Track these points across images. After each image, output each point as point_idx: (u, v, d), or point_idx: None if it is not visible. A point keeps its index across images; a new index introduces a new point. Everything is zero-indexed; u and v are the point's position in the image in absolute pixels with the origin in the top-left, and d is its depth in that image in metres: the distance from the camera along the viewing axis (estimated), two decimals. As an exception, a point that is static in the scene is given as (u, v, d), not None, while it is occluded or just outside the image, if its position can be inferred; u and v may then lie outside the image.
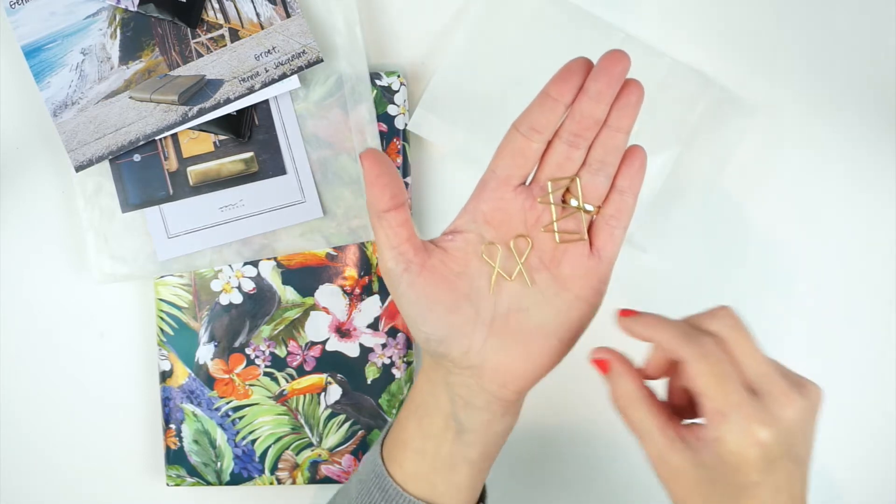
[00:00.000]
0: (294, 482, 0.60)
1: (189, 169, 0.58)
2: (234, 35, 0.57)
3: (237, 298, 0.59)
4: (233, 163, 0.58)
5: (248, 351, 0.59)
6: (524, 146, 0.45)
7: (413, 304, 0.45)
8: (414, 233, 0.45)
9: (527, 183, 0.47)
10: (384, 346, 0.60)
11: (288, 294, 0.59)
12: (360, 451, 0.60)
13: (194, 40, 0.57)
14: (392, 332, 0.60)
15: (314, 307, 0.59)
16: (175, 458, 0.60)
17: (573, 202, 0.46)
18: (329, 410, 0.60)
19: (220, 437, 0.60)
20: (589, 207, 0.46)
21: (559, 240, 0.46)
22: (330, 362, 0.60)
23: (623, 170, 0.46)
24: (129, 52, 0.57)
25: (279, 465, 0.60)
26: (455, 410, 0.46)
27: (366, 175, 0.44)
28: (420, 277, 0.45)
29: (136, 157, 0.58)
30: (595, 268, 0.46)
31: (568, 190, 0.46)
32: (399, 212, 0.45)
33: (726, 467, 0.40)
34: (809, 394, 0.41)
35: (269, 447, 0.60)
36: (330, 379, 0.60)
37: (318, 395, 0.60)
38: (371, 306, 0.59)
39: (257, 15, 0.57)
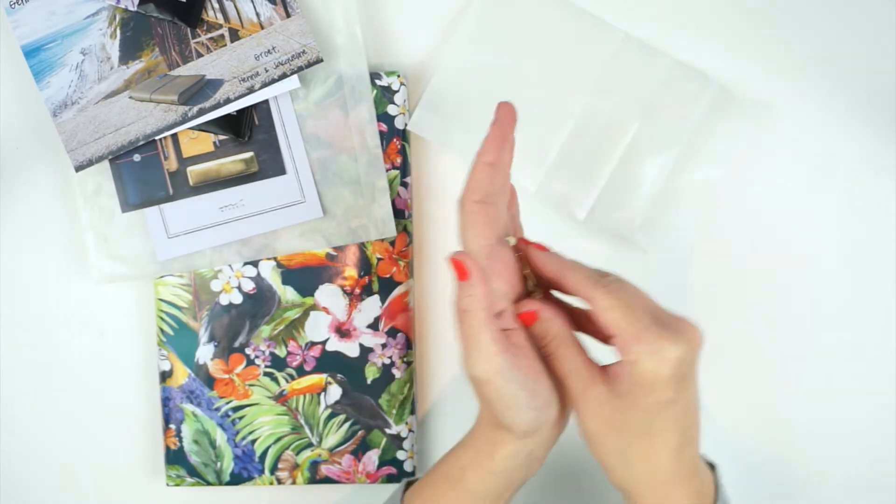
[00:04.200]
0: (294, 482, 0.60)
1: (189, 169, 0.58)
2: (234, 35, 0.57)
3: (237, 298, 0.59)
4: (233, 163, 0.58)
5: (248, 351, 0.59)
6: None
7: (526, 379, 0.45)
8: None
9: None
10: (384, 346, 0.60)
11: (288, 294, 0.59)
12: (359, 452, 0.60)
13: (194, 40, 0.57)
14: (392, 332, 0.60)
15: (314, 307, 0.59)
16: (175, 458, 0.60)
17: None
18: (329, 410, 0.60)
19: (220, 437, 0.60)
20: None
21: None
22: (330, 362, 0.60)
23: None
24: (129, 52, 0.57)
25: (279, 465, 0.60)
26: (517, 485, 0.48)
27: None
28: (520, 358, 0.45)
29: (136, 157, 0.58)
30: None
31: None
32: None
33: (641, 388, 0.43)
34: (696, 327, 0.44)
35: (269, 447, 0.60)
36: (330, 379, 0.60)
37: (318, 395, 0.60)
38: (371, 306, 0.59)
39: (257, 15, 0.57)
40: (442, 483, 0.49)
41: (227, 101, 0.57)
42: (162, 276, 0.59)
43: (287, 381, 0.60)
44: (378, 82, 0.59)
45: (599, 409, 0.45)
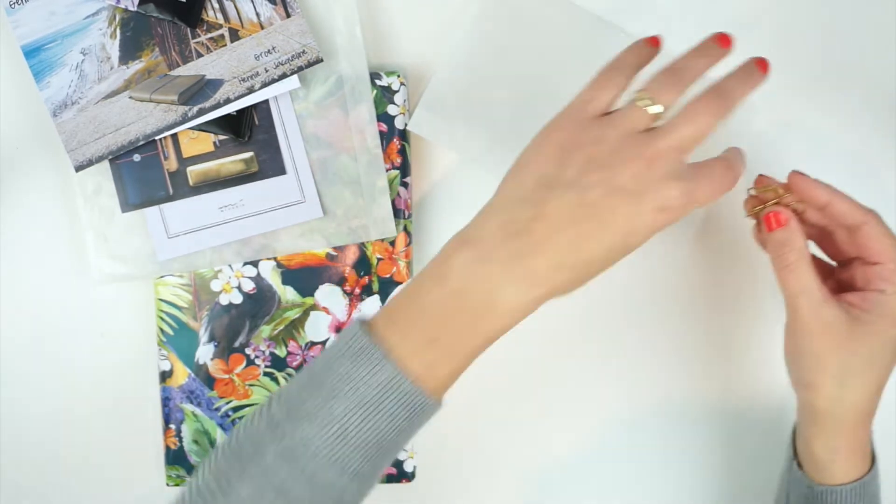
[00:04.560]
0: (294, 482, 0.60)
1: (189, 169, 0.58)
2: (234, 35, 0.57)
3: (237, 298, 0.59)
4: (233, 163, 0.58)
5: (248, 351, 0.59)
6: None
7: None
8: None
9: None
10: (384, 346, 0.60)
11: (288, 294, 0.59)
12: (360, 451, 0.60)
13: (194, 40, 0.57)
14: (392, 332, 0.59)
15: (314, 307, 0.59)
16: (175, 458, 0.60)
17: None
18: (329, 410, 0.60)
19: (220, 437, 0.59)
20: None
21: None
22: (330, 362, 0.60)
23: None
24: (129, 51, 0.57)
25: (279, 465, 0.60)
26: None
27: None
28: None
29: (136, 157, 0.58)
30: None
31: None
32: None
33: (890, 320, 0.47)
34: None
35: (269, 447, 0.60)
36: (330, 379, 0.60)
37: (318, 395, 0.60)
38: (371, 306, 0.59)
39: (257, 15, 0.57)
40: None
41: (227, 101, 0.57)
42: (162, 276, 0.59)
43: (287, 382, 0.60)
44: (378, 82, 0.59)
45: (832, 330, 0.47)
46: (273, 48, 0.57)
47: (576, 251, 0.42)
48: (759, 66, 0.45)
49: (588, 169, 0.42)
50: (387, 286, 0.59)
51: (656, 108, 0.44)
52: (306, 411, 0.43)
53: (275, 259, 0.59)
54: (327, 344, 0.44)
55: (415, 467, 0.60)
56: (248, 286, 0.59)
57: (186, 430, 0.59)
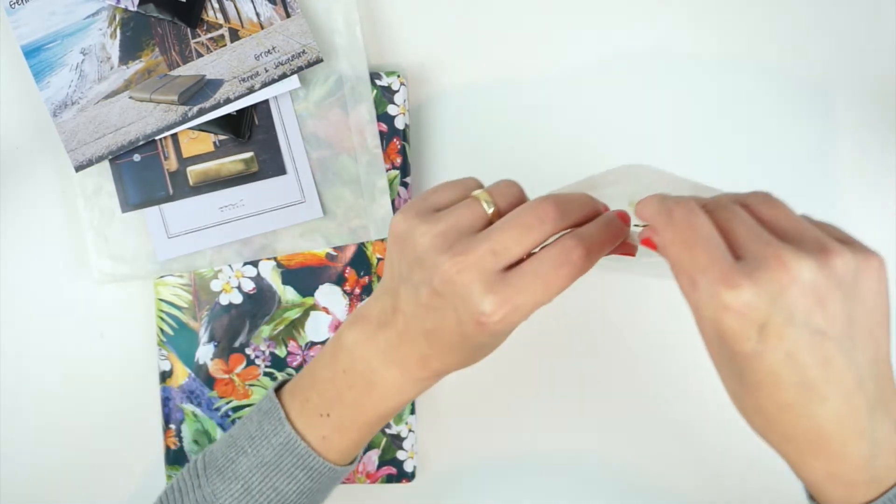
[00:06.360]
0: (294, 482, 0.60)
1: (189, 169, 0.58)
2: (234, 35, 0.57)
3: (237, 298, 0.59)
4: (233, 163, 0.58)
5: (248, 351, 0.59)
6: None
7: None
8: None
9: None
10: (384, 346, 0.59)
11: (288, 294, 0.59)
12: (360, 451, 0.60)
13: (194, 40, 0.57)
14: (392, 332, 0.59)
15: (314, 307, 0.59)
16: (175, 458, 0.60)
17: None
18: (329, 410, 0.60)
19: (220, 436, 0.59)
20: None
21: None
22: (330, 362, 0.60)
23: None
24: (129, 51, 0.57)
25: (279, 465, 0.60)
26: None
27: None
28: None
29: (136, 157, 0.58)
30: None
31: None
32: None
33: (713, 337, 0.36)
34: (790, 262, 0.34)
35: (269, 447, 0.60)
36: (330, 379, 0.60)
37: (318, 395, 0.60)
38: (371, 306, 0.59)
39: (257, 15, 0.57)
40: (364, 428, 0.47)
41: (227, 101, 0.57)
42: (162, 276, 0.59)
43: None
44: (378, 82, 0.59)
45: (709, 348, 0.38)
46: (273, 48, 0.57)
47: (430, 344, 0.42)
48: (622, 219, 0.42)
49: (413, 267, 0.41)
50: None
51: (491, 208, 0.41)
52: (218, 466, 0.47)
53: (275, 259, 0.59)
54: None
55: (415, 467, 0.60)
56: (248, 286, 0.59)
57: (186, 431, 0.59)
